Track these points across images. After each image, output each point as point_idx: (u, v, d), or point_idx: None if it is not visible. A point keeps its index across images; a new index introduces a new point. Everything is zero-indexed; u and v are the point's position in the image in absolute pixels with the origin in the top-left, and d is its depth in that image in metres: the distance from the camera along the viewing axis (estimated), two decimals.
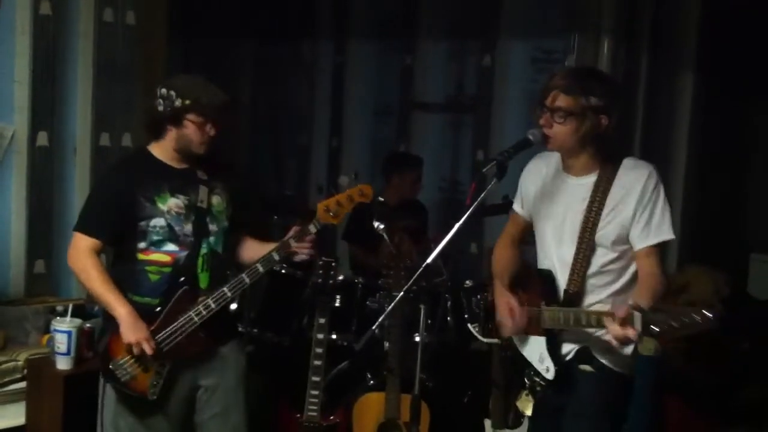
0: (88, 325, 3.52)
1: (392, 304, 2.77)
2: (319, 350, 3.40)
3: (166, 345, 2.85)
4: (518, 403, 2.62)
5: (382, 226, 3.60)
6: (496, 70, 5.52)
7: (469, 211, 2.48)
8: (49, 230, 4.09)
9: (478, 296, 4.05)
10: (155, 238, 2.87)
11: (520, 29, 5.41)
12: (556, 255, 2.63)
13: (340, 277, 4.10)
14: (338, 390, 3.74)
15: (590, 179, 2.57)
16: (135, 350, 2.81)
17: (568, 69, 2.62)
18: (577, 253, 2.55)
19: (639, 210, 2.49)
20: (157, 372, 2.86)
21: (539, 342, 2.59)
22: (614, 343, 2.31)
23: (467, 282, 4.14)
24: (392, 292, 3.63)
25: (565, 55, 4.95)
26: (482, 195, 2.52)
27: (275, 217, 4.50)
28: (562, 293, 2.58)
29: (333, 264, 3.48)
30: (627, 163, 2.56)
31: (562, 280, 2.59)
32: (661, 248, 2.50)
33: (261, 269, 2.91)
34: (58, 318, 3.50)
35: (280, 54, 6.31)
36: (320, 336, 3.41)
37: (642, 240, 2.49)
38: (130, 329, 2.81)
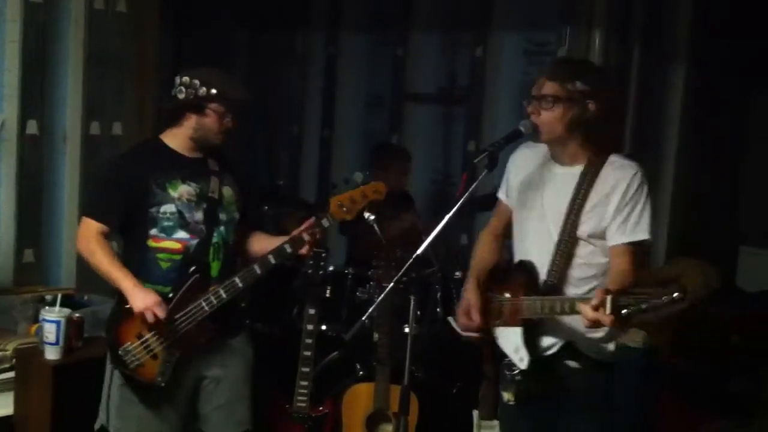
0: (77, 314, 3.50)
1: (382, 295, 2.77)
2: (308, 341, 3.40)
3: (176, 332, 2.86)
4: (503, 392, 2.61)
5: (372, 218, 3.59)
6: (488, 61, 5.50)
7: (460, 202, 2.48)
8: (39, 219, 4.08)
9: None
10: (165, 224, 2.89)
11: (512, 21, 5.40)
12: (537, 245, 2.62)
13: (331, 268, 4.10)
14: (327, 380, 3.74)
15: (576, 170, 2.56)
16: (148, 317, 2.81)
17: (557, 58, 2.63)
18: (558, 244, 2.54)
19: (620, 207, 2.49)
20: (165, 359, 2.87)
21: (516, 332, 2.58)
22: (587, 324, 2.28)
23: (457, 273, 4.15)
24: (382, 283, 3.64)
25: (557, 47, 4.94)
26: (473, 186, 2.51)
27: (266, 207, 4.49)
28: (542, 284, 2.57)
29: (323, 255, 3.48)
30: (614, 159, 2.55)
31: (543, 272, 2.58)
32: (636, 248, 2.49)
33: (273, 260, 2.91)
34: (46, 307, 3.48)
35: (273, 45, 6.28)
36: (310, 327, 3.41)
37: (617, 237, 2.49)
38: (138, 299, 2.82)
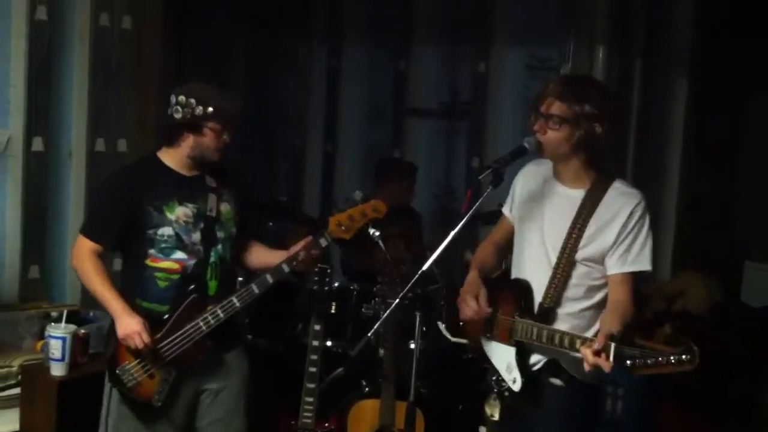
0: (82, 331, 3.51)
1: (387, 311, 2.76)
2: (314, 357, 3.39)
3: (173, 352, 2.85)
4: (486, 407, 2.60)
5: (377, 233, 3.59)
6: (490, 76, 5.52)
7: (465, 218, 2.48)
8: (44, 235, 4.08)
9: None
10: (163, 245, 2.88)
11: (515, 36, 5.42)
12: (534, 264, 2.61)
13: (336, 284, 4.10)
14: (333, 396, 3.73)
15: (579, 193, 2.56)
16: (130, 344, 2.81)
17: (563, 76, 2.63)
18: (556, 267, 2.54)
19: (622, 236, 2.49)
20: (163, 378, 2.87)
21: (509, 351, 2.57)
22: (586, 368, 2.28)
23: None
24: (387, 299, 3.63)
25: (560, 62, 4.96)
26: (478, 202, 2.52)
27: (270, 223, 4.49)
28: (537, 306, 2.56)
29: (328, 271, 3.47)
30: (618, 185, 2.55)
31: (539, 293, 2.57)
32: (635, 277, 2.50)
33: (270, 280, 2.91)
34: (52, 324, 3.49)
35: (275, 58, 6.31)
36: (315, 342, 3.40)
37: (618, 266, 2.49)
38: (123, 324, 2.81)
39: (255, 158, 6.27)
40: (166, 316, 2.87)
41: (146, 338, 2.80)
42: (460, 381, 4.10)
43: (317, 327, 3.42)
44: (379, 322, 2.74)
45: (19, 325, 3.71)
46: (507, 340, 2.58)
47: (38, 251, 4.06)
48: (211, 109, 2.84)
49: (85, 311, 3.80)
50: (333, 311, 4.00)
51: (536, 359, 2.58)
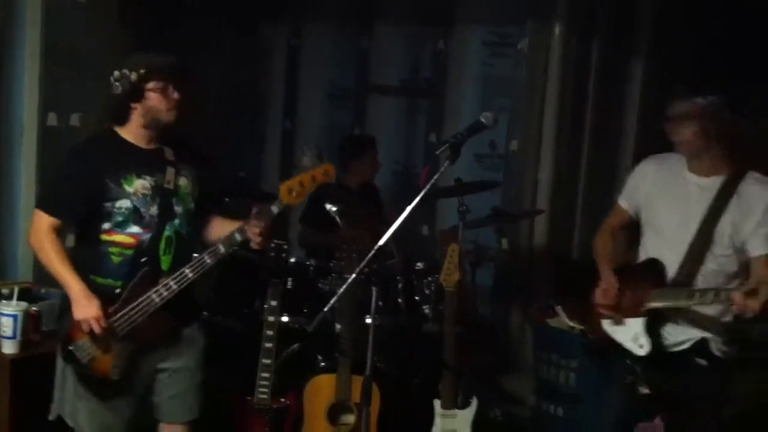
0: (34, 308, 3.47)
1: (344, 286, 2.77)
2: (270, 332, 3.40)
3: (128, 326, 2.83)
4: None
5: (334, 209, 3.59)
6: (450, 54, 5.53)
7: (422, 193, 2.50)
8: None
9: (430, 278, 4.08)
10: (119, 219, 2.86)
11: (475, 14, 5.43)
12: (668, 247, 2.76)
13: (292, 260, 4.09)
14: (289, 372, 3.73)
15: (714, 181, 2.72)
16: (84, 328, 2.79)
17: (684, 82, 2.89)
18: (691, 247, 2.69)
19: (764, 220, 2.63)
20: (119, 353, 2.85)
21: (637, 323, 2.73)
22: (735, 310, 2.49)
23: (419, 264, 4.16)
24: (344, 275, 3.64)
25: (519, 39, 4.98)
26: (435, 177, 2.54)
27: (227, 199, 4.46)
28: (670, 282, 2.72)
29: (285, 246, 3.47)
30: (754, 174, 2.71)
31: (672, 271, 2.73)
32: None
33: (222, 249, 2.89)
34: (3, 301, 3.44)
35: (235, 36, 6.24)
36: (271, 318, 3.40)
37: (761, 247, 2.63)
38: (81, 307, 2.80)
39: (214, 136, 6.21)
40: (118, 290, 2.85)
41: (104, 323, 2.79)
42: (416, 355, 4.13)
43: (273, 303, 3.42)
44: (335, 297, 2.74)
45: None
46: (637, 313, 2.74)
47: None
48: (143, 70, 2.82)
49: (38, 288, 3.75)
50: (289, 287, 4.02)
51: (683, 338, 2.74)
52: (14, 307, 3.35)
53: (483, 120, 2.60)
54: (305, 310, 4.01)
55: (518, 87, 5.01)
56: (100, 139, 3.00)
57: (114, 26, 4.44)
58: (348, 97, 6.09)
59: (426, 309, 4.07)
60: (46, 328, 3.51)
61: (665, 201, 2.83)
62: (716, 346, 2.75)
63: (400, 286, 4.07)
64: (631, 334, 2.75)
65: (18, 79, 4.05)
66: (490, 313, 5.13)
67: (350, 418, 3.54)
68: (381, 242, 2.54)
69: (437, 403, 3.61)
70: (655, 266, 2.77)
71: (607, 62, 5.00)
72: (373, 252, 2.57)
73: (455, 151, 2.52)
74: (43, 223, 2.86)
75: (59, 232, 2.88)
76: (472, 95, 5.41)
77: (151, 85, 2.84)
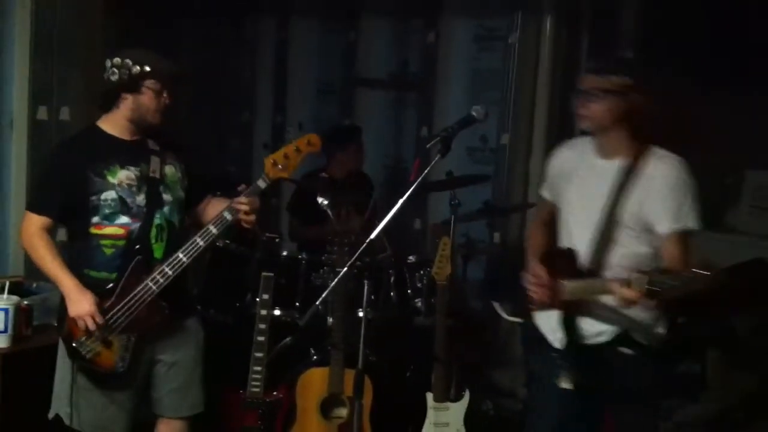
0: (25, 302, 3.46)
1: (336, 280, 2.77)
2: (262, 326, 3.40)
3: (126, 317, 2.83)
4: (560, 381, 2.70)
5: (326, 202, 3.60)
6: (439, 47, 5.53)
7: (413, 187, 2.51)
8: None
9: (422, 272, 4.09)
10: (107, 211, 2.86)
11: (464, 7, 5.43)
12: (579, 233, 2.71)
13: (284, 253, 4.10)
14: (281, 366, 3.74)
15: (619, 162, 2.66)
16: (80, 325, 2.79)
17: (602, 56, 2.85)
18: (600, 231, 2.63)
19: (666, 195, 2.57)
20: (122, 345, 2.86)
21: (555, 314, 2.68)
22: (618, 304, 2.41)
23: (411, 257, 4.17)
24: (336, 268, 3.64)
25: (508, 33, 4.98)
26: (426, 171, 2.54)
27: (218, 192, 4.45)
28: (584, 271, 2.66)
29: (276, 240, 3.47)
30: (657, 151, 2.66)
31: (584, 259, 2.66)
32: (686, 237, 2.58)
33: (214, 230, 2.89)
34: None
35: (222, 30, 6.22)
36: (263, 312, 3.41)
37: (666, 224, 2.57)
38: (74, 303, 2.81)
39: (203, 130, 6.20)
40: (111, 285, 2.85)
41: (99, 319, 2.79)
42: (408, 348, 4.14)
43: (265, 296, 3.42)
44: (327, 291, 2.75)
45: None
46: (555, 304, 2.68)
47: None
48: (147, 67, 2.83)
49: (29, 283, 3.73)
50: (281, 280, 4.02)
51: (602, 329, 2.66)
52: (5, 301, 3.33)
53: (474, 113, 2.61)
54: (297, 304, 4.01)
55: (508, 80, 5.01)
56: (82, 135, 3.01)
57: (102, 20, 4.41)
58: (337, 91, 6.09)
59: (418, 302, 4.07)
60: (38, 322, 3.50)
61: (573, 185, 2.77)
62: (639, 335, 2.67)
63: (392, 279, 4.08)
64: (550, 326, 2.71)
65: (8, 73, 4.02)
66: (481, 306, 5.14)
67: (343, 412, 3.55)
68: (372, 236, 2.55)
69: (430, 396, 3.63)
70: (566, 255, 2.71)
71: (597, 56, 5.01)
72: (364, 245, 2.57)
73: (446, 145, 2.53)
74: (33, 223, 2.87)
75: (49, 231, 2.89)
76: (462, 89, 5.41)
77: (149, 83, 2.85)
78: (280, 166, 2.94)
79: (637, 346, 2.66)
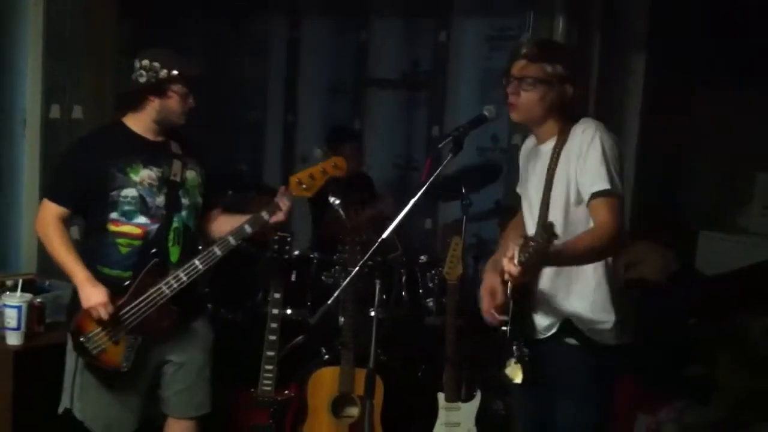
0: (38, 300, 3.48)
1: (347, 279, 2.77)
2: (273, 325, 3.40)
3: (136, 318, 2.84)
4: (507, 371, 2.61)
5: (337, 202, 3.59)
6: (451, 47, 5.52)
7: (425, 187, 2.50)
8: None
9: (433, 271, 4.09)
10: (126, 208, 2.87)
11: (476, 6, 5.42)
12: (529, 221, 2.68)
13: (296, 252, 4.10)
14: (292, 364, 3.74)
15: (550, 145, 2.60)
16: (93, 315, 2.80)
17: (535, 40, 2.70)
18: (539, 215, 2.58)
19: (580, 162, 2.49)
20: (129, 345, 2.87)
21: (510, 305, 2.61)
22: (505, 278, 2.30)
23: (422, 257, 4.16)
24: (347, 267, 3.64)
25: (520, 32, 4.97)
26: (438, 170, 2.54)
27: (230, 193, 4.47)
28: None
29: (288, 239, 3.48)
30: (579, 124, 2.56)
31: None
32: (608, 200, 2.44)
33: (232, 242, 2.92)
34: (7, 293, 3.44)
35: (234, 29, 6.24)
36: (275, 311, 3.41)
37: (585, 189, 2.48)
38: (87, 294, 2.81)
39: (215, 130, 6.22)
40: (128, 282, 2.86)
41: (111, 309, 2.80)
42: (419, 348, 4.14)
43: (277, 295, 3.43)
44: (338, 290, 2.75)
45: None
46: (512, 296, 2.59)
47: None
48: (175, 72, 2.86)
49: (41, 280, 3.75)
50: (293, 279, 4.03)
51: (549, 322, 2.59)
52: (18, 298, 3.35)
53: (485, 113, 2.59)
54: (309, 303, 4.01)
55: None
56: (107, 129, 3.05)
57: (114, 18, 4.43)
58: (348, 90, 6.08)
59: (429, 302, 4.07)
60: (50, 319, 3.51)
61: (528, 177, 2.72)
62: (580, 324, 2.57)
63: (403, 279, 4.08)
64: (506, 319, 2.61)
65: (21, 71, 4.05)
66: None
67: (354, 411, 3.55)
68: (384, 235, 2.54)
69: (441, 396, 3.62)
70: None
71: (609, 56, 5.00)
72: (376, 245, 2.56)
73: (458, 145, 2.51)
74: (50, 212, 2.88)
75: (66, 222, 2.90)
76: (474, 88, 5.40)
77: (176, 87, 2.87)
78: (304, 186, 2.99)
79: (583, 338, 2.56)
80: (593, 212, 2.47)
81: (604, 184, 2.45)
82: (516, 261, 2.18)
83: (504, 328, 2.62)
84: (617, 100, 5.11)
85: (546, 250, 2.16)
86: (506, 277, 2.28)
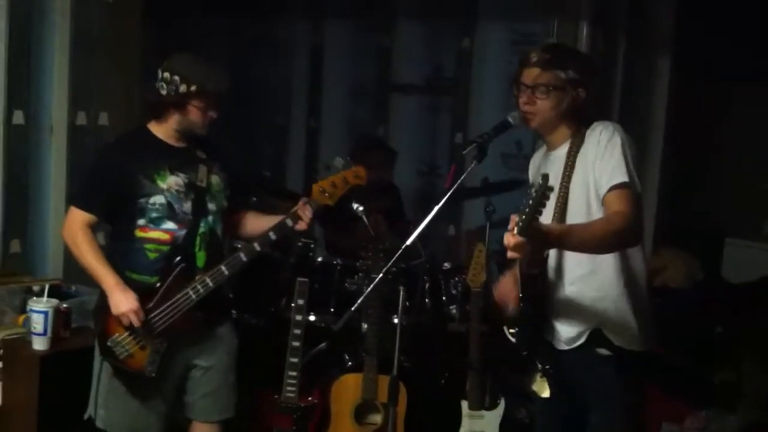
0: (64, 305, 3.50)
1: (371, 286, 2.77)
2: (297, 331, 3.41)
3: (163, 322, 2.87)
4: (533, 386, 2.61)
5: (361, 208, 3.59)
6: (474, 52, 5.51)
7: (449, 193, 2.50)
8: (25, 210, 4.05)
9: (456, 278, 4.07)
10: (154, 215, 2.89)
11: (499, 12, 5.41)
12: None
13: (319, 259, 4.10)
14: (316, 371, 3.74)
15: (564, 150, 2.58)
16: (123, 321, 2.82)
17: (543, 46, 2.66)
18: (554, 218, 2.54)
19: (597, 159, 2.47)
20: (154, 349, 2.88)
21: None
22: (509, 255, 2.24)
23: (446, 264, 4.15)
24: (371, 274, 3.64)
25: (545, 38, 4.95)
26: (462, 177, 2.53)
27: (254, 198, 4.47)
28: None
29: (311, 245, 3.48)
30: (594, 126, 2.54)
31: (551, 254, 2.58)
32: (624, 192, 2.41)
33: (258, 248, 2.95)
34: (34, 298, 3.48)
35: (257, 34, 6.26)
36: (299, 317, 3.41)
37: (602, 185, 2.45)
38: (118, 301, 2.83)
39: (238, 135, 6.25)
40: (157, 285, 2.88)
41: (142, 316, 2.82)
42: (443, 355, 4.12)
43: (300, 301, 3.43)
44: (362, 297, 2.75)
45: (1, 300, 3.68)
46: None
47: (19, 225, 4.02)
48: (194, 87, 2.85)
49: (67, 285, 3.78)
50: (316, 286, 4.03)
51: (578, 330, 2.55)
52: (44, 303, 3.37)
53: (510, 119, 2.58)
54: (332, 309, 4.01)
55: None
56: (133, 136, 3.05)
57: (140, 24, 4.46)
58: (372, 95, 6.09)
59: (452, 309, 4.06)
60: (76, 324, 3.53)
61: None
62: (609, 334, 2.53)
63: (426, 286, 4.07)
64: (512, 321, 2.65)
65: (47, 78, 4.07)
66: None
67: (377, 418, 3.55)
68: (408, 242, 2.54)
69: (464, 403, 3.61)
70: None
71: (634, 59, 4.97)
72: (400, 252, 2.56)
73: (482, 151, 2.50)
74: (78, 219, 2.90)
75: (93, 229, 2.92)
76: (497, 94, 5.38)
77: (195, 102, 2.88)
78: (326, 194, 3.01)
79: (614, 346, 2.52)
80: (608, 204, 2.43)
81: (622, 177, 2.43)
82: (516, 231, 2.13)
83: (512, 330, 2.61)
84: (643, 105, 5.08)
85: (543, 202, 2.10)
86: (509, 254, 2.21)
